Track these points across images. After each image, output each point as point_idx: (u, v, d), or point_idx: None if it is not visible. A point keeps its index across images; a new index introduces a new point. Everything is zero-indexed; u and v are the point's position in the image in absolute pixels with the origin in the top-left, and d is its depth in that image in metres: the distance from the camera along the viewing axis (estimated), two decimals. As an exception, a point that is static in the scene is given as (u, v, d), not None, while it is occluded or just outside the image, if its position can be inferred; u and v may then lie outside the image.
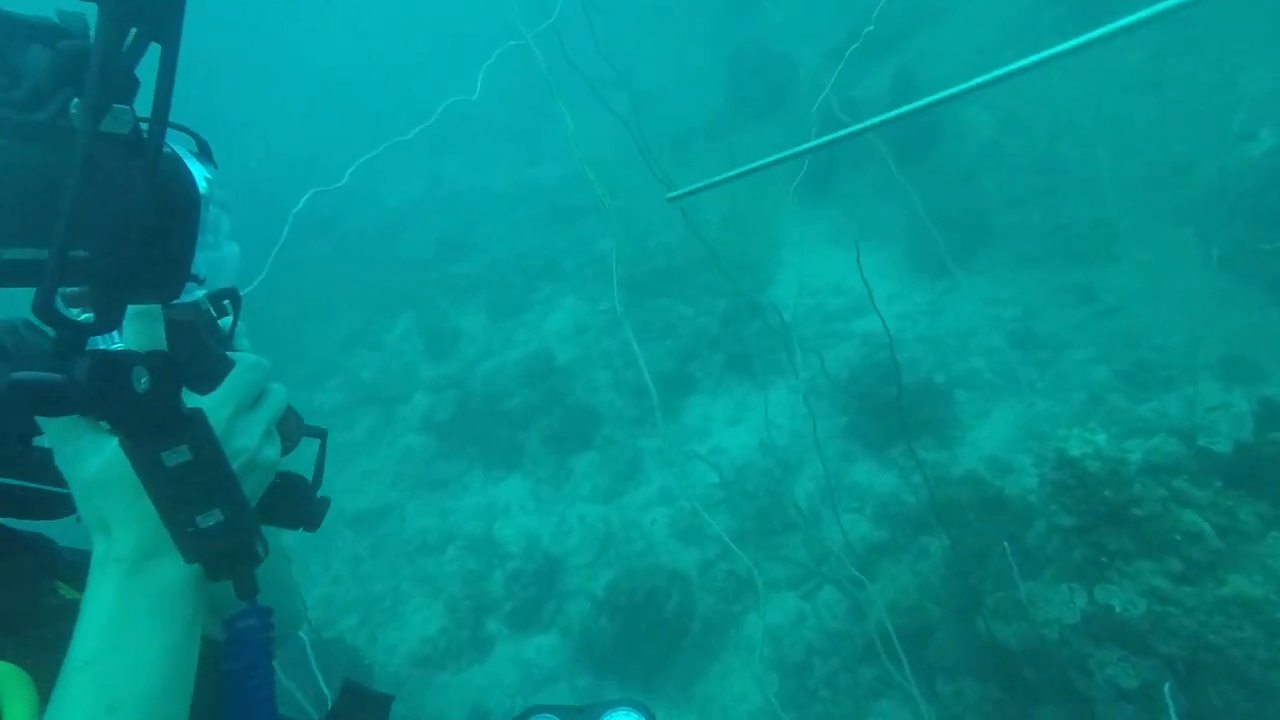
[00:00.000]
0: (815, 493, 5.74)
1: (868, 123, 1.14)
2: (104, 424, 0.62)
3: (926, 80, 7.16)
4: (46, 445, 0.67)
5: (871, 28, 3.80)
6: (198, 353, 0.73)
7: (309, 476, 0.88)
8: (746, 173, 1.22)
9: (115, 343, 0.68)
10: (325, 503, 0.90)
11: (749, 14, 10.91)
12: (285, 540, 1.10)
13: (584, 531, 6.22)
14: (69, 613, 0.64)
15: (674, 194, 1.26)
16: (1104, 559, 2.70)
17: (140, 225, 0.55)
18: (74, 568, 0.78)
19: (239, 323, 0.86)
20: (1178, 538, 2.55)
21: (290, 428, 0.86)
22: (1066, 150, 6.16)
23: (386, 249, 11.96)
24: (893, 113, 1.11)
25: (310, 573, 6.12)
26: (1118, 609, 2.65)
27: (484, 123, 16.05)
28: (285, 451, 0.82)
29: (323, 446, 0.93)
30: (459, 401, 7.64)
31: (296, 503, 0.86)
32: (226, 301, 0.83)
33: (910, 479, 5.36)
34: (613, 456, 6.84)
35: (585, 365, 8.01)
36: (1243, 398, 4.23)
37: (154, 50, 0.53)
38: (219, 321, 0.83)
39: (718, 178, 1.22)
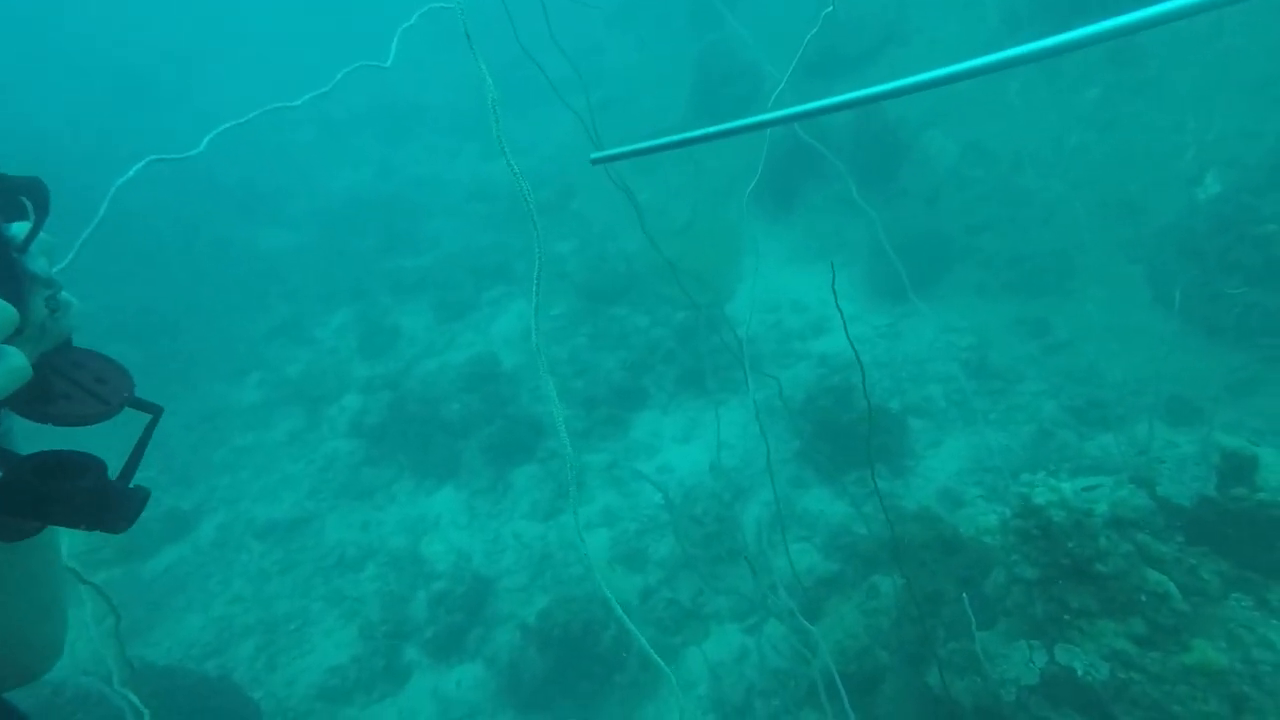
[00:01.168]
0: (765, 519, 5.52)
1: (808, 106, 0.90)
2: None
3: (891, 100, 7.09)
4: None
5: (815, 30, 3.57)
6: None
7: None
8: (676, 144, 1.00)
9: None
10: (139, 495, 0.75)
11: (718, 21, 10.78)
12: (65, 542, 0.88)
13: (519, 551, 5.85)
14: None
15: (598, 155, 1.06)
16: (1066, 616, 2.51)
17: None
18: None
19: (39, 233, 0.71)
20: (1142, 598, 2.38)
21: (110, 389, 0.72)
22: (1027, 181, 6.14)
23: (329, 237, 11.32)
24: (831, 100, 0.88)
25: (207, 590, 5.57)
26: (1079, 672, 2.46)
27: (447, 113, 15.54)
28: (97, 418, 0.70)
29: (150, 427, 0.79)
30: (393, 404, 7.17)
31: (87, 492, 0.69)
32: (24, 199, 0.70)
33: (863, 509, 5.19)
34: (555, 471, 6.49)
35: (532, 372, 7.65)
36: (1188, 440, 4.18)
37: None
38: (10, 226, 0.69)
39: (645, 144, 1.02)
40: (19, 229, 0.69)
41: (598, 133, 4.06)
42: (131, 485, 0.76)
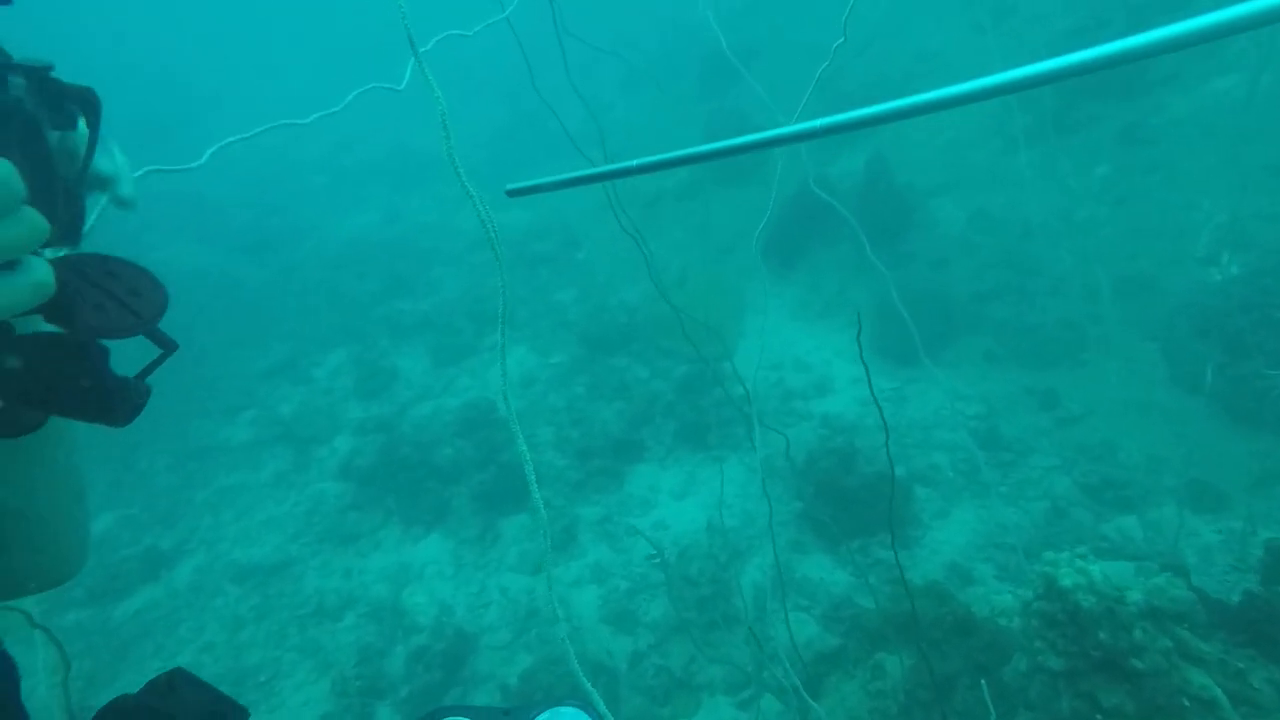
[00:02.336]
0: (763, 584, 5.29)
1: (789, 130, 0.85)
2: None
3: (902, 165, 7.19)
4: None
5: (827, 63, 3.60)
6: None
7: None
8: (604, 175, 0.95)
9: None
10: (140, 390, 0.73)
11: (729, 81, 11.06)
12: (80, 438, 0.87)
13: (505, 605, 5.59)
14: None
15: (512, 187, 1.00)
16: (1098, 717, 2.32)
17: None
18: None
19: (98, 132, 0.73)
20: (1186, 702, 2.19)
21: (144, 303, 0.69)
22: (1036, 250, 6.15)
23: (331, 279, 11.31)
24: (821, 121, 0.83)
25: (178, 636, 5.27)
26: (1112, 780, 2.25)
27: (459, 164, 15.81)
28: (127, 332, 0.67)
29: (160, 359, 0.77)
30: (385, 447, 6.98)
31: (90, 375, 0.67)
32: (78, 113, 0.70)
33: (866, 579, 4.98)
34: (547, 523, 6.28)
35: (528, 420, 7.49)
36: (1211, 528, 4.03)
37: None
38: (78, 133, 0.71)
39: (561, 176, 0.96)
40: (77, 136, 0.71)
41: (610, 190, 4.03)
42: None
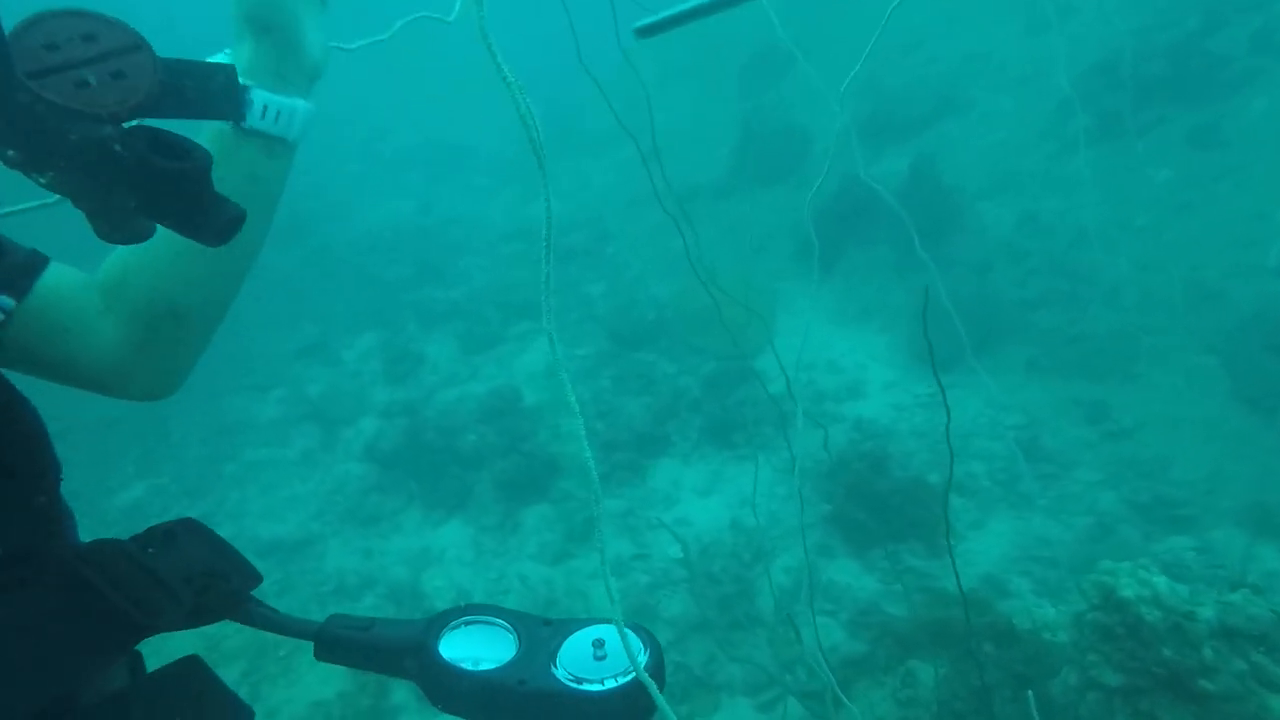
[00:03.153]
0: (787, 585, 5.16)
1: None
2: None
3: (948, 167, 6.98)
4: None
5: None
6: None
7: None
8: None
9: None
10: (234, 211, 0.74)
11: (769, 80, 10.92)
12: None
13: (523, 593, 5.52)
14: None
15: (640, 25, 0.95)
16: (1159, 737, 2.16)
17: None
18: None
19: None
20: (1261, 728, 2.02)
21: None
22: (1088, 258, 5.92)
23: (363, 264, 11.39)
24: None
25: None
26: (1173, 807, 2.09)
27: (491, 157, 15.85)
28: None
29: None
30: (409, 431, 6.97)
31: (195, 172, 0.68)
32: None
33: (895, 585, 4.82)
34: (568, 513, 6.20)
35: (553, 410, 7.44)
36: (1275, 555, 3.80)
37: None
38: None
39: (688, 5, 0.89)
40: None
41: (658, 170, 3.93)
42: None
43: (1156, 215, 5.87)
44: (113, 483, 7.08)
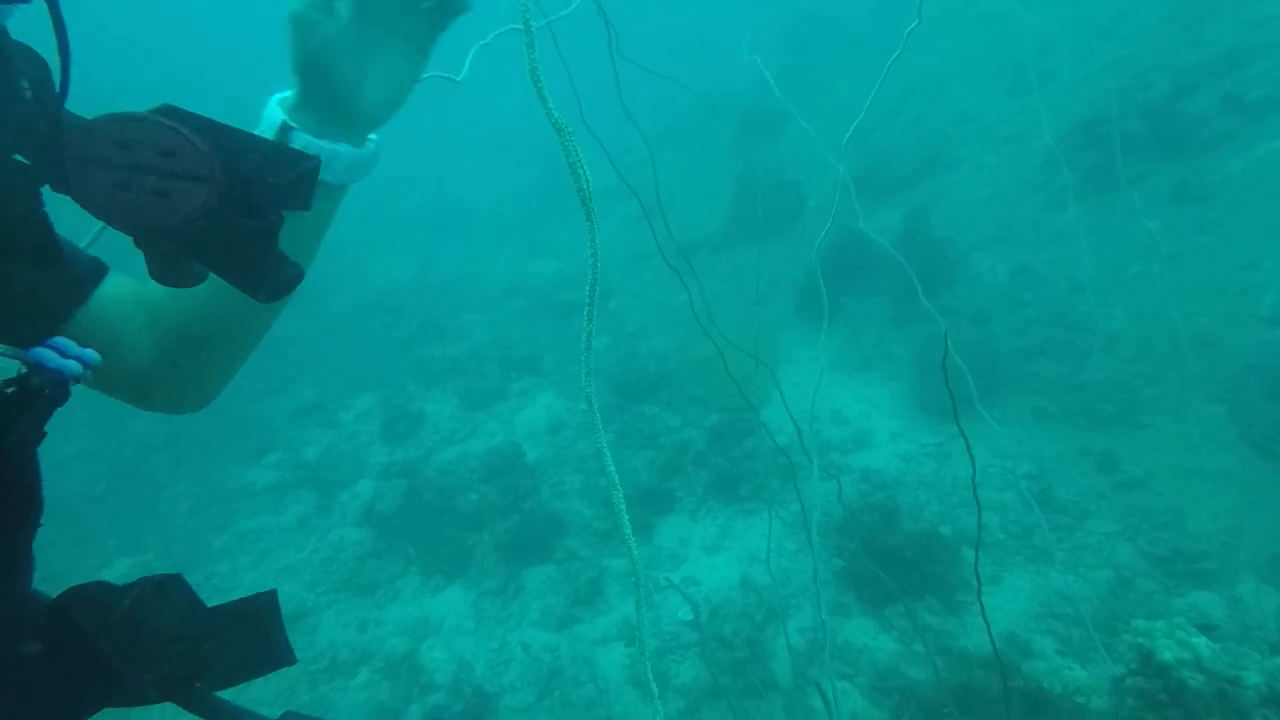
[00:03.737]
0: (801, 647, 4.98)
1: None
2: None
3: (939, 219, 7.12)
4: None
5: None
6: None
7: None
8: None
9: None
10: (291, 271, 0.75)
11: (762, 139, 11.23)
12: None
13: (527, 663, 5.31)
14: None
15: None
16: (1214, 813, 2.04)
17: None
18: None
19: None
20: (1320, 801, 1.91)
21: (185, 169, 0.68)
22: (1084, 307, 5.97)
23: (362, 325, 11.43)
24: None
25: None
26: None
27: (494, 217, 16.14)
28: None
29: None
30: (408, 492, 6.83)
31: (260, 232, 0.71)
32: None
33: (913, 646, 4.66)
34: (573, 574, 6.03)
35: (555, 466, 7.33)
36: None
37: None
38: None
39: None
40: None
41: (655, 228, 3.97)
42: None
43: (1148, 265, 5.97)
44: (94, 561, 6.81)
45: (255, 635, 0.81)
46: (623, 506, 0.93)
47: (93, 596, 0.70)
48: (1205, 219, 6.07)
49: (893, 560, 5.16)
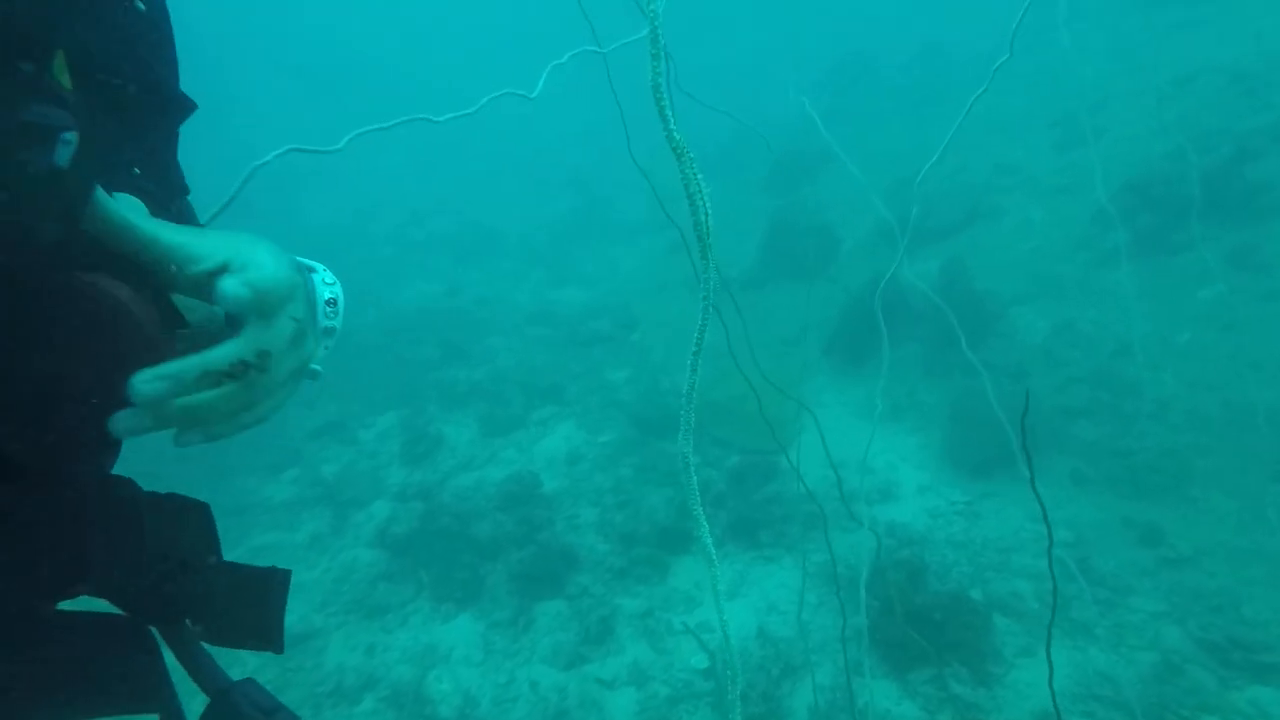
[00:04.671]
0: (819, 707, 4.76)
1: None
2: None
3: (979, 270, 6.99)
4: None
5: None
6: None
7: None
8: None
9: None
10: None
11: (797, 180, 11.22)
12: None
13: (533, 701, 5.14)
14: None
15: None
16: None
17: None
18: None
19: None
20: None
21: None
22: (1130, 370, 5.77)
23: (387, 345, 11.49)
24: None
25: (190, 710, 4.97)
26: None
27: (521, 242, 16.29)
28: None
29: None
30: (424, 515, 6.75)
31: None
32: None
33: (938, 718, 4.43)
34: (584, 611, 5.87)
35: (572, 498, 7.22)
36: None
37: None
38: None
39: None
40: None
41: (694, 259, 3.89)
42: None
43: (1201, 332, 5.76)
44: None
45: (252, 601, 0.79)
46: (700, 512, 0.85)
47: (113, 488, 0.69)
48: (1266, 288, 5.87)
49: (919, 622, 4.95)
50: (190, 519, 0.75)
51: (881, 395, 4.07)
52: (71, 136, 0.49)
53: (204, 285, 0.59)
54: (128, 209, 0.55)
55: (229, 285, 0.57)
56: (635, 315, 10.83)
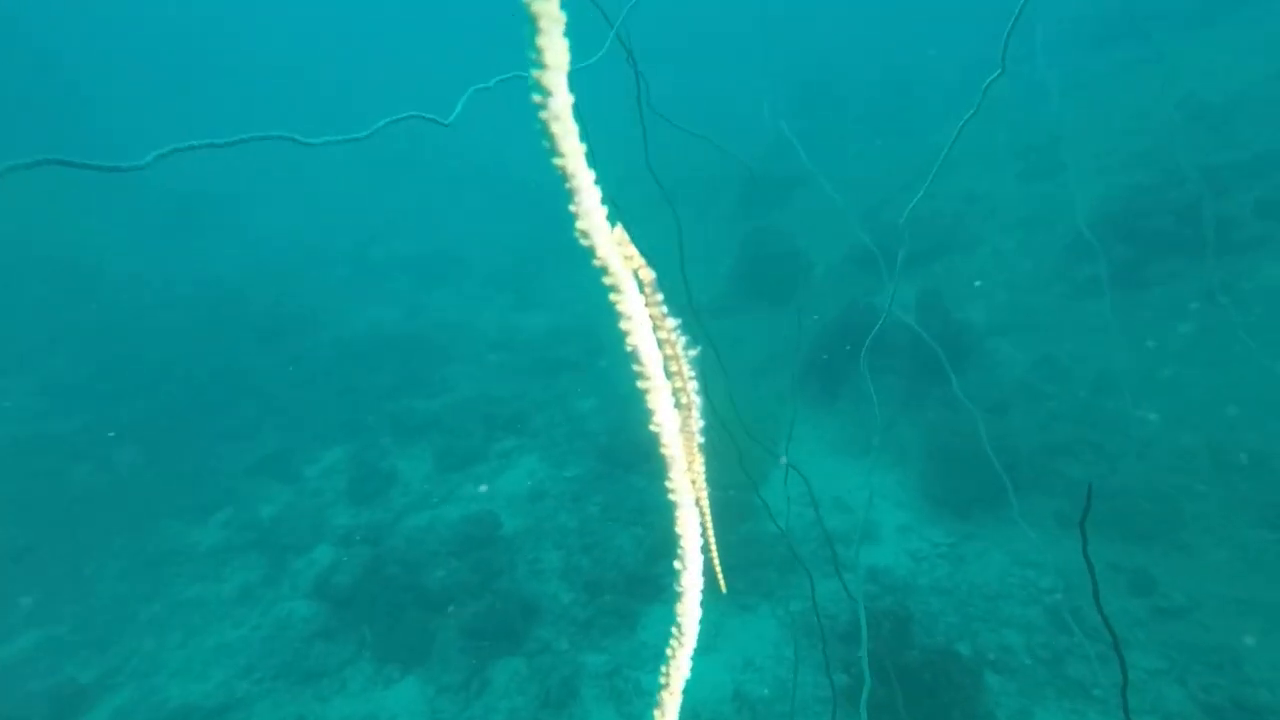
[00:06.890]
0: (800, 781, 4.37)
1: None
2: None
3: (954, 299, 6.79)
4: None
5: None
6: None
7: None
8: None
9: None
10: None
11: (768, 205, 11.03)
12: None
13: (487, 779, 4.63)
14: None
15: None
16: None
17: None
18: None
19: None
20: None
21: None
22: (1112, 407, 5.59)
23: (341, 371, 10.86)
24: None
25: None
26: None
27: (485, 267, 15.78)
28: None
29: None
30: (370, 562, 6.20)
31: None
32: None
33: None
34: (544, 670, 5.38)
35: (534, 539, 6.73)
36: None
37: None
38: None
39: None
40: None
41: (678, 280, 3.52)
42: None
43: (1182, 369, 5.62)
44: (-5, 633, 6.04)
45: None
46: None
47: None
48: (1243, 324, 5.78)
49: (906, 681, 4.59)
50: None
51: (871, 473, 3.73)
52: None
53: None
54: None
55: None
56: (604, 341, 10.43)
